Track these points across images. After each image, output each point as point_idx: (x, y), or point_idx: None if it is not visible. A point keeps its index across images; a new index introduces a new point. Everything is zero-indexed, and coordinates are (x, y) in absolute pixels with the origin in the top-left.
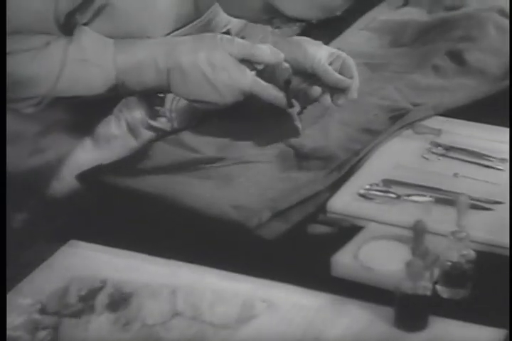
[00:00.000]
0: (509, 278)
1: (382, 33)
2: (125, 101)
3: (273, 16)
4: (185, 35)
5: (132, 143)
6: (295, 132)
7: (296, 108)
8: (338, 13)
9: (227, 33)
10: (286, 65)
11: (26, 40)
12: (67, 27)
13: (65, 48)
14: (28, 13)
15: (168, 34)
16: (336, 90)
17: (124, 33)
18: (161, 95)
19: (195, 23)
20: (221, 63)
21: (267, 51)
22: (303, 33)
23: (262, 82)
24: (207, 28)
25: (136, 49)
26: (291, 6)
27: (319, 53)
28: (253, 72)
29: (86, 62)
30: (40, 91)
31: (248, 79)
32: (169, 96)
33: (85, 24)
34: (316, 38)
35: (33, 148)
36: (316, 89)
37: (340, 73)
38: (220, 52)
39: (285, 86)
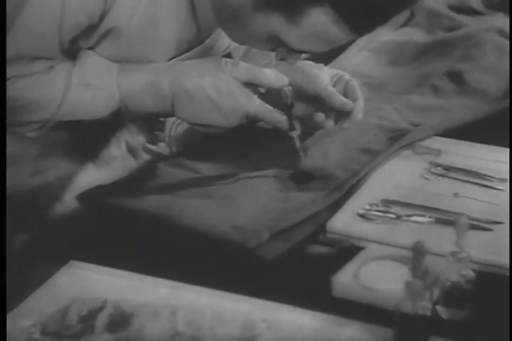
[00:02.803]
0: (509, 299)
1: (382, 53)
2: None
3: (278, 46)
4: (187, 59)
5: (132, 164)
6: (296, 156)
7: (298, 131)
8: (342, 43)
9: (229, 56)
10: (289, 87)
11: (29, 65)
12: (71, 51)
13: (68, 72)
14: (32, 39)
15: (171, 59)
16: (341, 113)
17: (127, 57)
18: (162, 120)
19: (197, 48)
20: (227, 87)
21: (272, 75)
22: None
23: (267, 106)
24: (208, 52)
25: (140, 73)
26: (297, 40)
27: (321, 76)
28: (256, 96)
29: (90, 86)
30: (44, 116)
31: (253, 103)
32: (169, 122)
33: (89, 48)
34: (315, 59)
35: (35, 169)
36: (319, 116)
37: (345, 94)
38: (226, 75)
39: (287, 109)
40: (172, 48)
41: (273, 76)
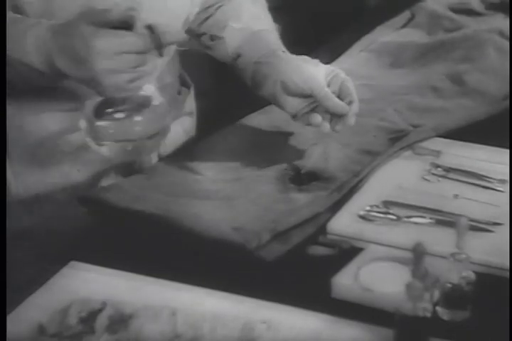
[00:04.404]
0: (509, 300)
1: (382, 54)
2: None
3: None
4: None
5: None
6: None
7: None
8: None
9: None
10: (132, 12)
11: None
12: None
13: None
14: None
15: None
16: (334, 114)
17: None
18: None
19: None
20: (71, 31)
21: (114, 13)
22: (303, 52)
23: (115, 32)
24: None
25: (33, 30)
26: None
27: (317, 75)
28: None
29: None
30: None
31: (101, 37)
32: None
33: None
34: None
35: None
36: (317, 117)
37: (339, 95)
38: (72, 21)
39: (149, 32)
40: None
41: (113, 15)
